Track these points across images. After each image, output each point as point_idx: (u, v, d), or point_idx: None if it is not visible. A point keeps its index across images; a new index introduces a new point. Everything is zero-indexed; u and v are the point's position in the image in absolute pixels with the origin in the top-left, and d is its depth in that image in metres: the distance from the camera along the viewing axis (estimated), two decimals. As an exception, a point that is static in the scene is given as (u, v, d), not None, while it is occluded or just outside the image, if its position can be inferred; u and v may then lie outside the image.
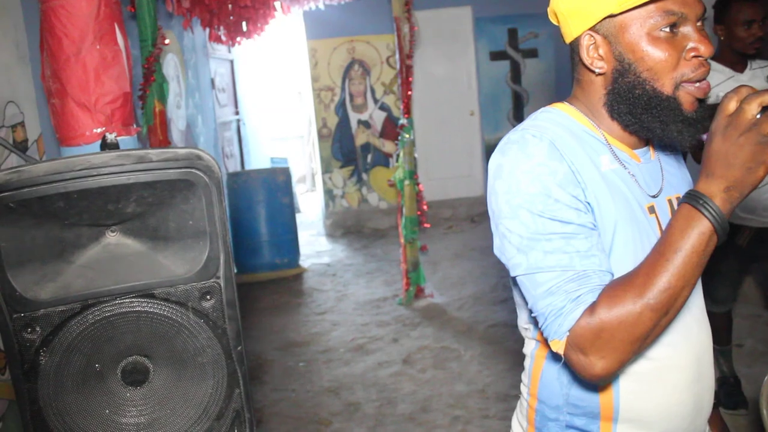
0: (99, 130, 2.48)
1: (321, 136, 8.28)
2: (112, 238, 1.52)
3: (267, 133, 10.34)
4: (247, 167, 8.34)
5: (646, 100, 1.14)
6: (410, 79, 5.15)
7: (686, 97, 1.14)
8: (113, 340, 1.48)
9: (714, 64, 2.92)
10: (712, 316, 3.36)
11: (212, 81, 6.80)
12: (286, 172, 6.73)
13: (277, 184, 6.56)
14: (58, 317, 1.43)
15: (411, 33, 5.08)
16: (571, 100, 1.28)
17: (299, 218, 9.57)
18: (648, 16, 1.12)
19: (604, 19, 1.15)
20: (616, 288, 1.06)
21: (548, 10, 1.27)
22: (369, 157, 8.22)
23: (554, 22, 1.28)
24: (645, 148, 1.27)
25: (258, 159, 9.10)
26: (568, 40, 1.24)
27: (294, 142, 11.79)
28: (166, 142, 3.61)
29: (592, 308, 1.06)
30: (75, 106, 2.46)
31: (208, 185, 1.46)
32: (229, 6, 5.20)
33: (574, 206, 1.12)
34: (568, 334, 1.08)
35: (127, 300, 1.46)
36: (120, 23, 2.53)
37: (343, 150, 8.27)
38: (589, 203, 1.14)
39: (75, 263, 1.49)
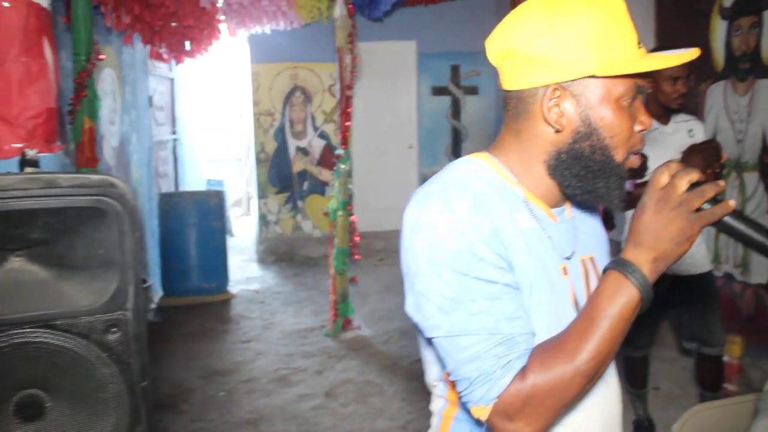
0: (19, 146, 2.39)
1: (259, 161, 8.21)
2: (16, 263, 1.45)
3: (204, 154, 10.20)
4: (182, 188, 8.20)
5: (601, 166, 1.11)
6: (349, 109, 5.16)
7: (626, 167, 1.15)
8: (8, 371, 1.41)
9: None
10: (630, 360, 3.45)
11: (150, 99, 6.67)
12: (219, 195, 6.64)
13: (210, 207, 6.45)
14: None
15: (353, 64, 5.10)
16: (494, 151, 1.21)
17: (232, 242, 9.44)
18: (621, 84, 1.09)
19: (580, 78, 1.09)
20: (546, 353, 1.04)
21: (489, 47, 1.17)
22: (305, 185, 8.18)
23: (494, 62, 1.18)
24: (561, 207, 1.24)
25: (193, 180, 8.96)
26: (517, 86, 1.14)
27: (232, 164, 11.66)
28: (93, 160, 3.51)
29: (522, 374, 1.03)
30: (-4, 119, 2.37)
31: (121, 214, 1.41)
32: (173, 24, 5.13)
33: (498, 265, 1.08)
34: (495, 400, 1.04)
35: (26, 330, 1.39)
36: (50, 36, 2.45)
37: (280, 176, 8.22)
38: (510, 262, 1.10)
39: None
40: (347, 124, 5.16)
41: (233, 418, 4.05)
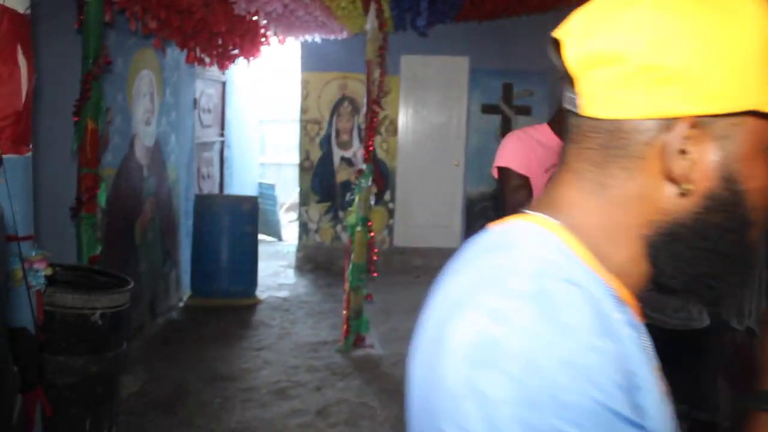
0: (-15, 146, 2.44)
1: (302, 168, 8.25)
2: None
3: (257, 157, 10.33)
4: (230, 190, 8.33)
5: (736, 250, 0.73)
6: (374, 124, 5.11)
7: None
8: None
9: None
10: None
11: (195, 101, 6.79)
12: (253, 201, 6.69)
13: (242, 211, 6.51)
14: None
15: (381, 78, 5.05)
16: (555, 213, 0.75)
17: (277, 247, 9.54)
18: None
19: (733, 114, 0.68)
20: None
21: (569, 45, 0.71)
22: (348, 195, 8.16)
23: (574, 68, 0.70)
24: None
25: (244, 183, 9.08)
26: (618, 113, 0.69)
27: (289, 169, 11.78)
28: (95, 161, 3.58)
29: None
30: (-36, 119, 2.43)
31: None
32: (211, 31, 5.20)
33: (637, 424, 0.61)
34: None
35: None
36: (25, 41, 2.51)
37: (323, 185, 8.23)
38: (641, 407, 0.63)
39: None
40: (371, 139, 5.11)
41: (219, 426, 4.05)
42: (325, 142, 8.17)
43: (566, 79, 0.73)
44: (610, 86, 0.69)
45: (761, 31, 0.67)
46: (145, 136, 5.51)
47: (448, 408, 0.63)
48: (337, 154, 8.18)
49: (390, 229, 8.30)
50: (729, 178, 0.69)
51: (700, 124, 0.68)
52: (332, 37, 7.16)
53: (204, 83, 7.17)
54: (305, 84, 8.08)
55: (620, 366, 0.62)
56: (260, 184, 10.13)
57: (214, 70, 7.14)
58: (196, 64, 5.78)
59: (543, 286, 0.64)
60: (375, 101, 5.05)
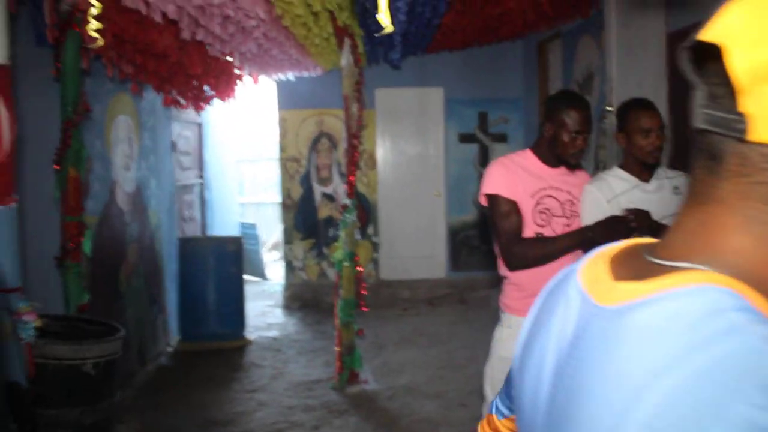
0: (-31, 198, 2.41)
1: (284, 207, 8.22)
2: None
3: (237, 198, 10.29)
4: (213, 232, 8.27)
5: None
6: (355, 158, 5.11)
7: None
8: None
9: (619, 172, 2.87)
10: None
11: (173, 144, 6.77)
12: (237, 242, 6.65)
13: (226, 252, 6.46)
14: None
15: (359, 113, 5.07)
16: (719, 263, 0.61)
17: (263, 286, 9.45)
18: None
19: None
20: None
21: (751, 51, 0.55)
22: (331, 231, 8.14)
23: (744, 82, 0.55)
24: None
25: (225, 224, 9.02)
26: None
27: (270, 208, 11.74)
28: (78, 209, 3.54)
29: None
30: (-53, 172, 2.40)
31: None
32: (187, 73, 5.21)
33: None
34: None
35: None
36: (5, 94, 2.48)
37: (306, 222, 8.21)
38: None
39: None
40: (353, 174, 5.11)
41: (217, 473, 3.96)
42: (305, 180, 8.16)
43: (709, 94, 0.60)
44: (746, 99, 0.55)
45: None
46: (125, 182, 5.46)
47: None
48: (318, 190, 8.17)
49: (375, 263, 8.27)
50: None
51: None
52: (306, 74, 7.21)
53: (181, 126, 7.15)
54: (282, 122, 8.10)
55: None
56: (242, 224, 10.08)
57: (190, 113, 7.14)
58: (172, 106, 5.77)
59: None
60: (354, 136, 5.07)
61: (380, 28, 4.89)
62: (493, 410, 1.12)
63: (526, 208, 2.72)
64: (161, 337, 6.23)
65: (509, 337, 2.71)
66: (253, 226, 10.08)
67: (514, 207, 2.70)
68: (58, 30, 3.37)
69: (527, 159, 2.83)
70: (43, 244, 3.61)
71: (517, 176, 2.75)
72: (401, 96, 8.08)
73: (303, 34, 4.89)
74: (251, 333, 6.86)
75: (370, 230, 8.21)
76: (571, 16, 5.65)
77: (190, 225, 7.54)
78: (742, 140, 0.57)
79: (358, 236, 5.25)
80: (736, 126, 0.56)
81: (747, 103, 0.55)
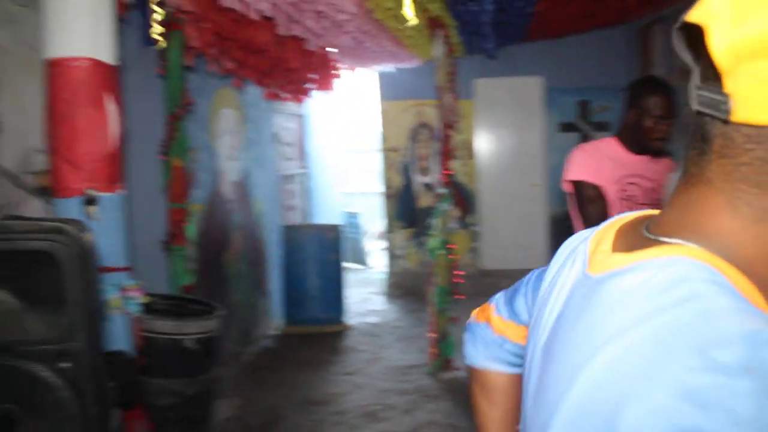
0: (83, 186, 2.65)
1: (386, 196, 8.39)
2: (1, 295, 1.63)
3: (341, 188, 10.55)
4: (315, 220, 8.54)
5: None
6: (448, 149, 5.17)
7: None
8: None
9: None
10: None
11: (275, 135, 7.05)
12: (336, 230, 6.85)
13: (326, 239, 6.68)
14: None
15: (453, 103, 5.12)
16: (704, 241, 0.62)
17: (366, 274, 9.67)
18: None
19: None
20: None
21: (717, 33, 0.55)
22: (430, 220, 8.22)
23: (723, 61, 0.55)
24: None
25: (328, 213, 9.28)
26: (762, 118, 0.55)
27: (374, 198, 11.94)
28: (183, 196, 3.80)
29: None
30: (63, 162, 2.65)
31: (70, 256, 1.55)
32: (286, 67, 5.42)
33: None
34: None
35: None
36: (113, 89, 2.72)
37: (406, 211, 8.34)
38: None
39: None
40: (447, 163, 5.17)
41: (311, 449, 4.16)
42: (406, 170, 8.29)
43: (702, 75, 0.59)
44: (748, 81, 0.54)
45: None
46: (230, 172, 5.76)
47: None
48: (418, 180, 8.28)
49: (475, 252, 8.30)
50: None
51: None
52: (406, 65, 7.31)
53: (284, 117, 7.43)
54: (384, 113, 8.25)
55: None
56: (345, 213, 10.33)
57: (293, 105, 7.40)
58: (274, 99, 6.02)
59: (760, 356, 0.50)
60: (448, 126, 5.13)
61: (473, 17, 4.95)
62: (493, 302, 1.17)
63: (610, 195, 2.72)
64: (265, 320, 6.53)
65: None
66: (355, 215, 10.32)
67: (598, 192, 2.70)
68: (164, 31, 3.62)
69: (611, 146, 2.82)
70: (151, 229, 3.90)
71: (600, 162, 2.74)
72: (500, 85, 8.05)
73: (396, 27, 4.99)
74: (352, 318, 7.07)
75: (470, 219, 8.24)
76: (673, 1, 5.47)
77: (292, 213, 7.83)
78: (726, 121, 0.57)
79: (455, 225, 5.31)
80: (721, 107, 0.56)
81: (728, 84, 0.55)
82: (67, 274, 1.55)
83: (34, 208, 3.30)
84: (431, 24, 4.99)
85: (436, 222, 5.23)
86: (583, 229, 2.75)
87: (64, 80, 2.61)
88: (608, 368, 0.57)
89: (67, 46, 2.60)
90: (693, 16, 0.57)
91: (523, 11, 5.37)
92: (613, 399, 0.54)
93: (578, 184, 2.72)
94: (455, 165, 7.99)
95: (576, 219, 2.82)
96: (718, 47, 0.54)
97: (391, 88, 8.13)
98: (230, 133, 5.77)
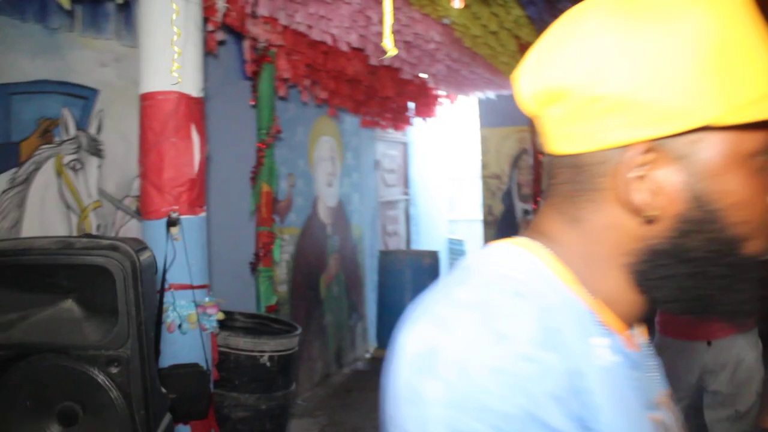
0: (167, 209, 2.88)
1: (486, 223, 8.38)
2: (66, 303, 1.82)
3: (445, 214, 10.61)
4: (417, 247, 8.64)
5: (726, 268, 0.69)
6: (541, 176, 5.14)
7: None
8: (49, 386, 1.77)
9: None
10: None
11: (377, 162, 7.23)
12: (433, 256, 6.92)
13: (423, 265, 6.76)
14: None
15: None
16: (541, 239, 0.75)
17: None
18: (753, 137, 0.67)
19: (689, 132, 0.65)
20: None
21: (524, 85, 0.72)
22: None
23: (531, 109, 0.73)
24: (634, 329, 0.80)
25: (432, 239, 9.36)
26: (575, 147, 0.70)
27: (478, 224, 11.93)
28: (270, 220, 3.99)
29: None
30: (150, 187, 2.89)
31: (123, 272, 1.72)
32: (381, 96, 5.58)
33: None
34: None
35: (50, 354, 1.75)
36: (198, 120, 2.94)
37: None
38: (591, 429, 0.63)
39: (28, 320, 1.80)
40: (539, 192, 5.14)
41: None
42: (507, 196, 8.26)
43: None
44: (563, 122, 0.69)
45: (709, 38, 0.62)
46: (328, 197, 5.97)
47: (394, 412, 0.66)
48: (519, 207, 8.22)
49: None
50: (699, 198, 0.67)
51: (655, 147, 0.66)
52: (506, 92, 7.32)
53: (386, 145, 7.61)
54: (484, 140, 8.28)
55: (563, 380, 0.62)
56: (449, 240, 10.37)
57: (395, 132, 7.57)
58: (371, 127, 6.20)
59: (487, 297, 0.66)
60: (540, 153, 5.11)
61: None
62: None
63: None
64: (360, 343, 6.67)
65: (659, 358, 2.65)
66: (460, 242, 10.33)
67: None
68: (255, 65, 3.86)
69: None
70: (242, 251, 4.12)
71: None
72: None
73: (488, 54, 5.04)
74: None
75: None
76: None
77: (394, 239, 7.96)
78: (550, 153, 0.74)
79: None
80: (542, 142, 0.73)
81: (538, 124, 0.71)
82: (119, 287, 1.71)
83: (132, 228, 3.59)
84: (523, 50, 5.01)
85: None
86: None
87: (154, 112, 2.86)
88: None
89: (157, 82, 2.85)
90: (516, 70, 0.71)
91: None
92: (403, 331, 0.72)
93: None
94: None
95: None
96: (524, 97, 0.70)
97: (490, 115, 8.14)
98: (329, 160, 5.99)
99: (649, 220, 0.68)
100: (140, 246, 1.84)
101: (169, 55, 2.81)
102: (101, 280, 1.72)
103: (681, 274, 0.69)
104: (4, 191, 2.96)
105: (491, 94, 7.36)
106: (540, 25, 4.71)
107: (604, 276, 0.72)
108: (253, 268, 3.96)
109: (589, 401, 0.63)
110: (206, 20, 3.22)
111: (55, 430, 1.78)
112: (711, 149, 0.66)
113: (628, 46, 0.64)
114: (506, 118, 8.04)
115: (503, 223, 8.28)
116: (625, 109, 0.64)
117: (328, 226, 5.97)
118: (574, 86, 0.66)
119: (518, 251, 0.73)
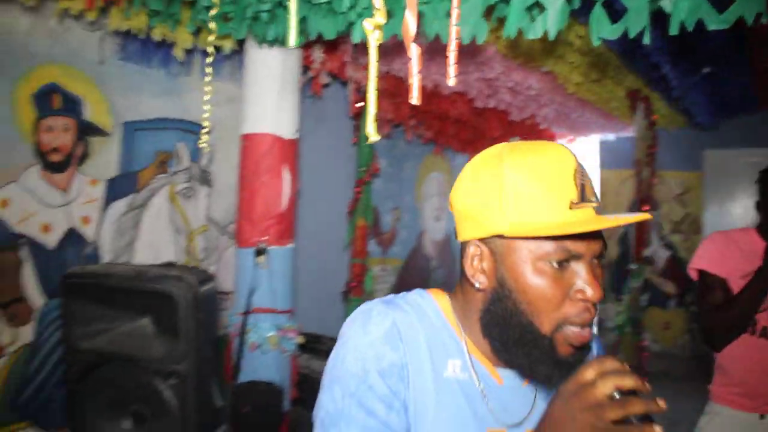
0: (257, 239, 3.17)
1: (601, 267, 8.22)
2: (143, 321, 2.13)
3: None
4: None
5: (520, 334, 1.01)
6: (645, 225, 5.07)
7: (563, 341, 1.00)
8: (123, 389, 2.07)
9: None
10: None
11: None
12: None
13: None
14: (86, 362, 2.07)
15: (651, 179, 5.03)
16: (453, 295, 1.15)
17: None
18: (545, 246, 0.99)
19: (494, 236, 1.03)
20: None
21: (450, 196, 1.14)
22: (646, 295, 7.90)
23: (450, 209, 1.14)
24: (515, 372, 1.11)
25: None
26: (459, 238, 1.10)
27: (602, 265, 11.67)
28: (363, 252, 4.23)
29: None
30: (243, 218, 3.20)
31: (185, 300, 1.99)
32: (488, 136, 5.71)
33: (386, 401, 1.02)
34: None
35: (127, 363, 2.05)
36: (290, 161, 3.22)
37: (620, 283, 8.09)
38: (406, 403, 1.03)
39: (110, 332, 2.12)
40: (642, 238, 5.08)
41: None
42: (622, 241, 8.08)
43: None
44: (456, 222, 1.11)
45: (506, 184, 1.01)
46: (434, 232, 6.15)
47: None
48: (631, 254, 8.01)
49: (693, 334, 7.79)
50: (501, 279, 1.04)
51: (483, 243, 1.06)
52: (625, 134, 7.22)
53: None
54: (604, 182, 8.16)
55: (392, 365, 1.02)
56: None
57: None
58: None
59: (372, 309, 1.08)
60: (644, 201, 5.05)
61: (675, 91, 4.86)
62: None
63: (735, 287, 2.60)
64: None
65: (708, 425, 2.61)
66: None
67: (720, 283, 2.60)
68: (358, 106, 4.13)
69: (746, 238, 2.69)
70: (334, 279, 4.38)
71: (729, 252, 2.63)
72: (734, 157, 7.57)
73: (594, 99, 5.06)
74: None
75: (689, 298, 7.78)
76: None
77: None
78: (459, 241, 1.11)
79: (671, 303, 5.16)
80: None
81: (457, 221, 1.11)
82: (181, 313, 1.98)
83: (234, 253, 3.93)
84: (630, 96, 4.99)
85: (625, 299, 5.12)
86: (702, 319, 2.65)
87: (250, 152, 3.17)
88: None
89: (254, 124, 3.16)
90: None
91: (736, 81, 5.10)
92: None
93: (700, 273, 2.64)
94: (677, 239, 7.67)
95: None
96: (454, 211, 1.10)
97: (610, 156, 8.01)
98: (438, 195, 6.18)
99: (479, 290, 1.06)
100: (204, 277, 2.11)
101: (266, 101, 3.12)
102: (167, 305, 2.00)
103: (495, 331, 1.05)
104: (123, 214, 3.37)
105: (611, 136, 7.29)
106: (648, 70, 4.68)
107: (472, 324, 1.09)
108: (345, 296, 4.20)
109: (411, 386, 1.03)
110: (307, 68, 3.52)
111: (127, 426, 2.08)
112: (510, 249, 1.03)
113: (471, 182, 1.07)
114: (626, 160, 7.85)
115: (616, 267, 8.09)
116: (469, 219, 1.06)
117: (433, 260, 6.14)
118: (455, 201, 1.09)
119: (425, 295, 1.14)
